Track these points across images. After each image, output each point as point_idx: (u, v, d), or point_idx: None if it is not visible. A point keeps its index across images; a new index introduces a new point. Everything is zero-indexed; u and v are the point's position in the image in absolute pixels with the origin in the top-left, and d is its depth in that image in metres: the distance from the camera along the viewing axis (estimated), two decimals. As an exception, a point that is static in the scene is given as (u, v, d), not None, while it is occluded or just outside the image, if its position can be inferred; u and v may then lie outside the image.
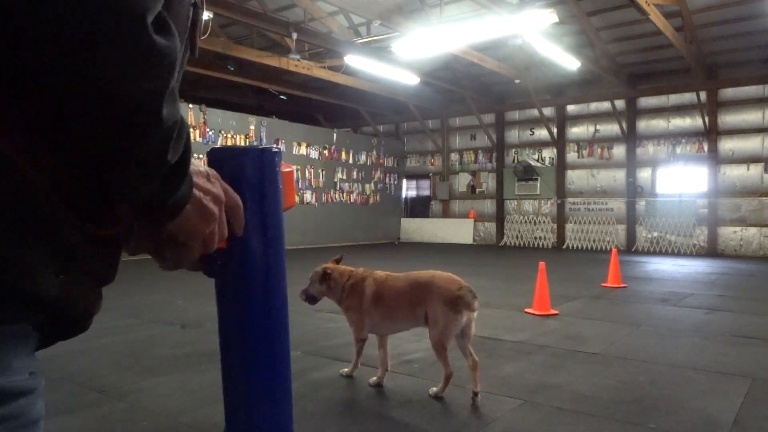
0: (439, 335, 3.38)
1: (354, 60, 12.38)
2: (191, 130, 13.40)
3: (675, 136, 15.70)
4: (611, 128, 16.63)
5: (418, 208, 21.06)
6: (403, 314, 3.57)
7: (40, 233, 0.55)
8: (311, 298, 3.74)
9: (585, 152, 17.18)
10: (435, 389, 3.50)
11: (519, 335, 5.12)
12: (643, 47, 14.15)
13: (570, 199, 17.44)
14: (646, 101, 16.17)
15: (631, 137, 16.19)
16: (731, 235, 14.92)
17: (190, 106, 13.62)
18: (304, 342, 4.83)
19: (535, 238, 17.95)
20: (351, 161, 18.60)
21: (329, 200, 17.72)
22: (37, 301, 0.55)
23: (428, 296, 3.43)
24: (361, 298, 3.58)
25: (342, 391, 3.55)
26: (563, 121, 17.47)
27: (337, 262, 3.84)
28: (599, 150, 16.93)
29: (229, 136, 14.52)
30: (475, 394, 3.36)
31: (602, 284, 8.45)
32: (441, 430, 2.92)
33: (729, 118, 14.90)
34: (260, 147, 0.81)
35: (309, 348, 4.65)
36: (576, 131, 17.40)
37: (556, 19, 9.22)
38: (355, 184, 18.76)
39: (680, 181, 15.67)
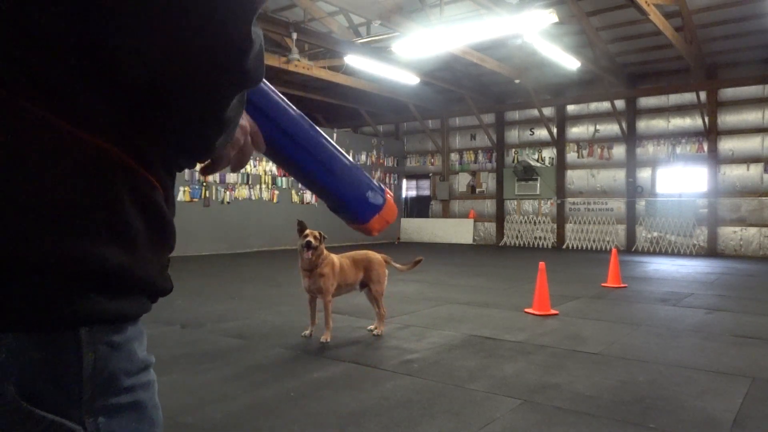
0: (382, 287, 5.13)
1: (354, 60, 12.38)
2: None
3: (675, 136, 15.70)
4: (611, 128, 16.63)
5: (418, 208, 21.06)
6: (351, 280, 5.02)
7: (147, 243, 0.65)
8: (314, 248, 4.71)
9: (585, 152, 17.18)
10: (372, 326, 5.18)
11: (519, 335, 5.12)
12: (643, 47, 14.15)
13: (570, 199, 17.44)
14: (646, 101, 16.17)
15: (631, 137, 16.19)
16: (731, 235, 14.92)
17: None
18: (305, 341, 4.83)
19: (535, 238, 17.95)
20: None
21: (329, 200, 17.70)
22: (157, 290, 0.70)
23: (369, 265, 5.11)
24: (333, 268, 4.88)
25: (342, 390, 3.55)
26: (563, 121, 17.47)
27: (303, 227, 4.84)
28: (599, 150, 16.93)
29: (229, 136, 14.50)
30: (378, 335, 5.05)
31: (602, 284, 8.45)
32: (441, 430, 2.92)
33: (729, 118, 14.90)
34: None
35: (309, 348, 4.65)
36: (576, 131, 17.40)
37: (556, 19, 9.21)
38: (355, 184, 18.73)
39: (680, 181, 15.67)
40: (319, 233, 4.79)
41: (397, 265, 5.35)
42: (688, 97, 15.25)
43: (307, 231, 4.76)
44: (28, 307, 0.55)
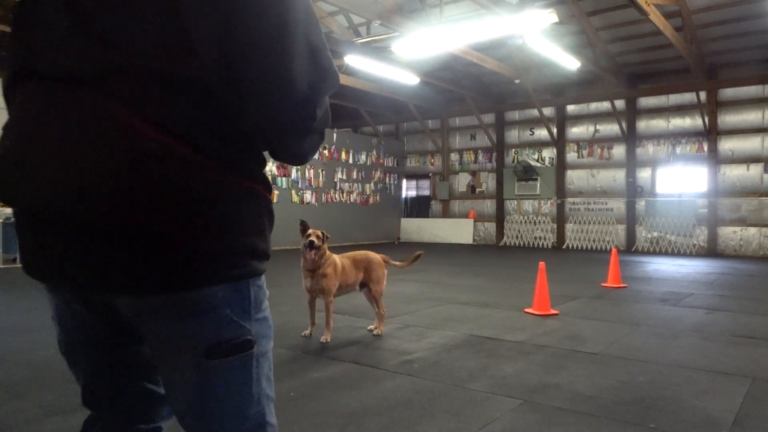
0: (382, 287, 5.14)
1: (354, 60, 12.38)
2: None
3: (675, 136, 15.70)
4: (611, 128, 16.63)
5: (418, 208, 21.06)
6: (352, 281, 5.01)
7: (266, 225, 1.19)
8: (317, 248, 4.68)
9: (585, 152, 17.18)
10: (372, 326, 5.19)
11: (519, 335, 5.12)
12: (643, 47, 14.15)
13: (570, 199, 17.44)
14: (646, 101, 16.17)
15: (631, 137, 16.19)
16: (731, 235, 14.92)
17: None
18: (305, 341, 4.83)
19: (535, 238, 17.95)
20: (351, 161, 18.59)
21: (329, 200, 17.71)
22: (269, 257, 1.21)
23: (369, 265, 5.10)
24: (335, 268, 4.84)
25: (342, 390, 3.55)
26: (563, 121, 17.47)
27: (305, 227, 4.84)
28: (599, 150, 16.93)
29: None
30: (378, 335, 5.06)
31: (602, 284, 8.45)
32: (441, 430, 2.92)
33: (729, 118, 14.90)
34: None
35: (309, 348, 4.65)
36: (576, 131, 17.40)
37: (556, 19, 9.21)
38: (355, 184, 18.76)
39: (680, 181, 15.67)
40: (322, 233, 4.76)
41: (396, 263, 5.35)
42: (688, 97, 15.25)
43: (310, 231, 4.71)
44: (231, 271, 1.09)
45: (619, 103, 16.20)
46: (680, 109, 15.60)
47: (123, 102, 0.96)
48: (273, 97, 1.02)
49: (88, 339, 1.22)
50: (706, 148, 15.13)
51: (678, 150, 15.65)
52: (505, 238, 18.49)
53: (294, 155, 1.17)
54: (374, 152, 19.57)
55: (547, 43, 11.35)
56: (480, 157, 19.32)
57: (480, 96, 17.74)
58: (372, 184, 19.42)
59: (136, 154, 0.96)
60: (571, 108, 17.44)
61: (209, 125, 1.03)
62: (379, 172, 19.73)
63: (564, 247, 17.30)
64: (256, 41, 0.99)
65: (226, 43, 0.99)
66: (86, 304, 1.16)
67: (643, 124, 16.25)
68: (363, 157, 19.08)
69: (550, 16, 9.07)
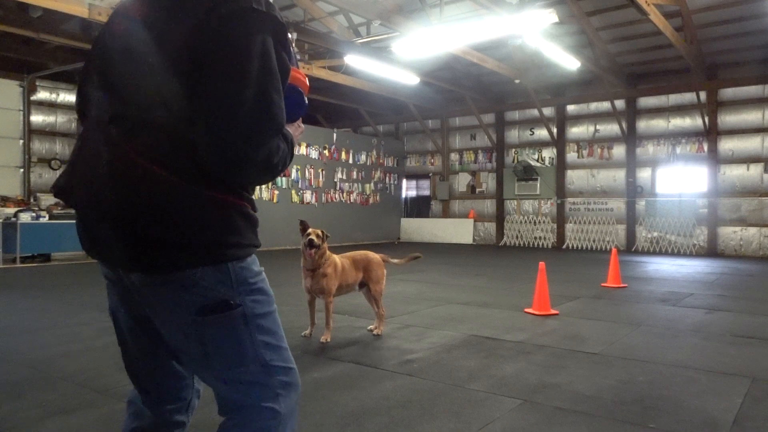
0: (382, 287, 5.16)
1: (354, 60, 12.39)
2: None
3: (675, 136, 15.70)
4: (611, 128, 16.63)
5: (418, 208, 21.07)
6: (352, 280, 5.03)
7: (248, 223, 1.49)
8: (317, 246, 4.68)
9: (585, 152, 17.18)
10: (372, 326, 5.21)
11: (519, 335, 5.12)
12: (643, 47, 14.15)
13: (570, 199, 17.44)
14: (645, 101, 16.17)
15: (631, 137, 16.19)
16: (731, 235, 14.92)
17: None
18: (305, 341, 4.83)
19: (535, 238, 17.95)
20: (351, 161, 18.59)
21: (329, 200, 17.71)
22: (257, 246, 1.50)
23: (369, 265, 5.12)
24: (335, 268, 4.86)
25: (342, 390, 3.55)
26: (563, 121, 17.47)
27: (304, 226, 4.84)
28: (599, 150, 16.93)
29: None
30: (377, 335, 5.08)
31: (602, 284, 8.45)
32: (441, 430, 2.92)
33: (729, 118, 14.90)
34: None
35: (309, 348, 4.65)
36: (576, 131, 17.40)
37: (556, 19, 9.21)
38: (355, 184, 18.76)
39: (680, 181, 15.67)
40: (322, 232, 4.75)
41: (394, 261, 5.38)
42: (688, 97, 15.25)
43: (310, 230, 4.71)
44: (208, 257, 1.40)
45: (619, 103, 16.20)
46: (680, 109, 15.60)
47: (126, 139, 1.38)
48: (219, 133, 1.31)
49: (124, 307, 1.59)
50: (706, 148, 15.13)
51: (678, 150, 15.65)
52: (505, 238, 18.49)
53: (242, 181, 1.47)
54: (374, 152, 19.57)
55: (547, 43, 11.36)
56: (480, 157, 19.31)
57: (480, 96, 17.74)
58: (372, 184, 19.42)
59: (131, 176, 1.36)
60: (571, 108, 17.44)
61: (180, 154, 1.36)
62: (379, 172, 19.73)
63: (564, 247, 17.30)
64: (213, 92, 1.32)
65: (192, 98, 1.34)
66: (118, 278, 1.54)
67: (643, 124, 16.25)
68: (363, 157, 19.08)
69: (550, 16, 9.07)
